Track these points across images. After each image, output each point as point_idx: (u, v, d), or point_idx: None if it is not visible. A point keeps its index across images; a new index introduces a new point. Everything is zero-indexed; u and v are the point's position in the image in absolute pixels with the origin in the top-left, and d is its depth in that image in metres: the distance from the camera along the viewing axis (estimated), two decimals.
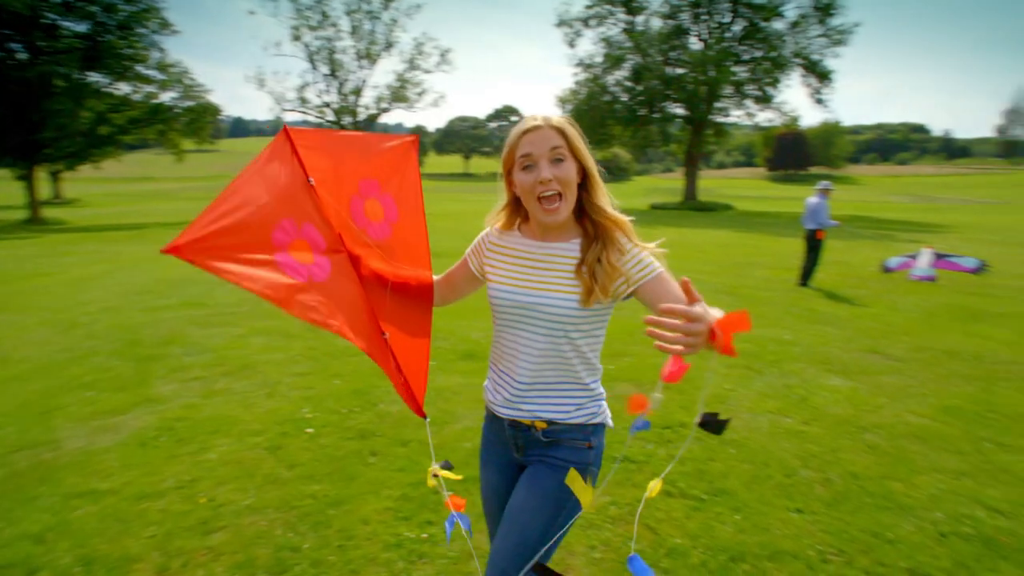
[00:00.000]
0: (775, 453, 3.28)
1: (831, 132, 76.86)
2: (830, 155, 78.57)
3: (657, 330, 0.95)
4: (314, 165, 1.48)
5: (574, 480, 1.22)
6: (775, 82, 30.92)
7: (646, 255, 1.35)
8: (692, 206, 31.04)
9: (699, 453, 3.26)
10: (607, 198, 1.40)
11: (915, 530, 2.57)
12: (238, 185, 1.39)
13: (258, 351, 5.19)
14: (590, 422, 1.43)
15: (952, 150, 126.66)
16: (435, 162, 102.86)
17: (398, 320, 1.55)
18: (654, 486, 1.20)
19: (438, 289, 1.63)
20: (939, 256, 9.55)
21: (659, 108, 32.90)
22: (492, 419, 1.53)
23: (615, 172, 73.49)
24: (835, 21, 29.37)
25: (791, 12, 30.04)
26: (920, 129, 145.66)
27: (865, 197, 44.92)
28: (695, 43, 32.46)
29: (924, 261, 9.49)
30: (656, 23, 32.42)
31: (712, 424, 1.07)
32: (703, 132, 32.25)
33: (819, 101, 31.23)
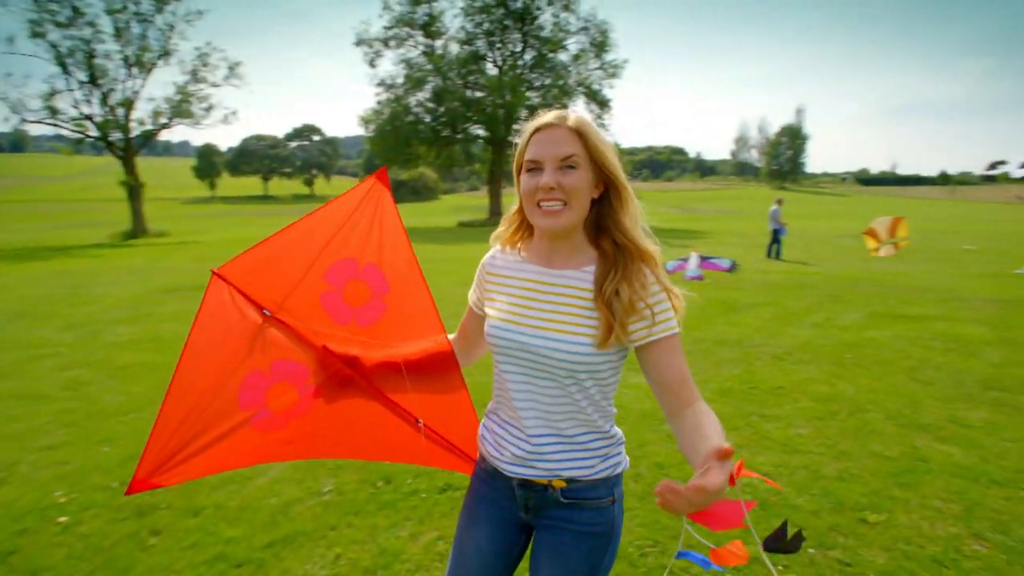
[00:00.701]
0: None
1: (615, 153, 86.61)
2: None
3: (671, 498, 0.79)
4: (263, 292, 1.28)
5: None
6: (564, 107, 34.03)
7: (667, 304, 1.10)
8: (498, 222, 32.60)
9: None
10: (637, 218, 1.16)
11: None
12: (184, 368, 1.22)
13: None
14: (613, 474, 1.21)
15: (704, 169, 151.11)
16: (229, 184, 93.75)
17: (427, 399, 1.37)
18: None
19: (457, 348, 1.38)
20: (703, 258, 11.13)
21: (461, 129, 34.16)
22: (493, 476, 1.27)
23: (422, 191, 74.29)
24: (609, 56, 33.58)
25: (573, 46, 33.83)
26: (680, 151, 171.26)
27: (644, 210, 51.12)
28: (491, 69, 34.48)
29: (693, 263, 10.99)
30: (454, 48, 33.76)
31: (786, 543, 0.86)
32: (504, 151, 34.13)
33: (601, 126, 34.87)
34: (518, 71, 33.48)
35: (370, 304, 1.36)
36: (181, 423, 1.21)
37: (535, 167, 1.12)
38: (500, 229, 1.31)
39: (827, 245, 18.63)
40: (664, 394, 1.10)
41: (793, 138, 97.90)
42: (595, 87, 34.14)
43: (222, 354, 1.26)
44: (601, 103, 34.28)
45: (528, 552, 1.29)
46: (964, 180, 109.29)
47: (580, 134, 1.10)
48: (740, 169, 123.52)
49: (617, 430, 1.25)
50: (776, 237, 14.51)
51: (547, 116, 1.13)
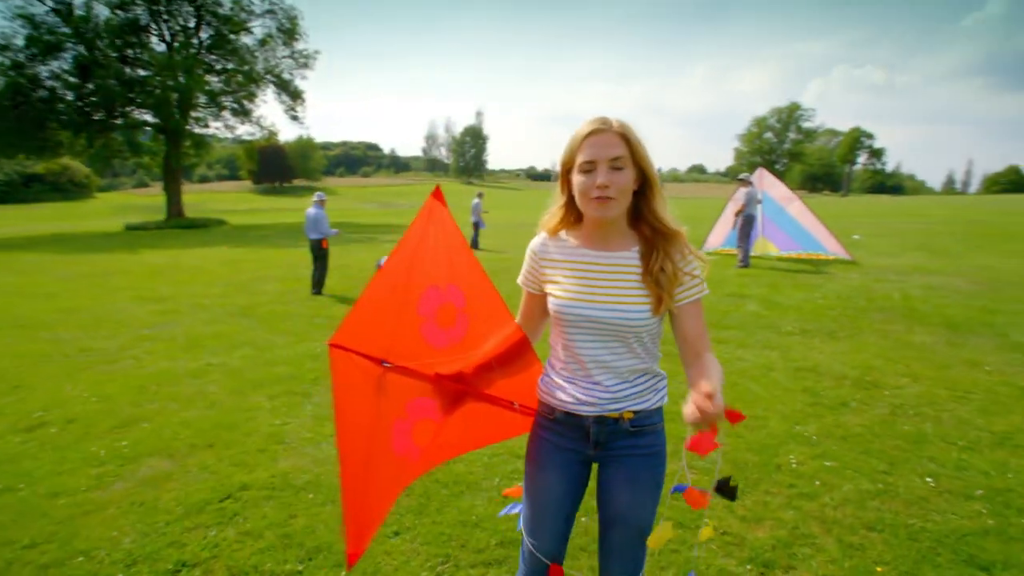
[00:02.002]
0: None
1: (307, 147, 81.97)
2: (309, 168, 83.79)
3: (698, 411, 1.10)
4: (374, 345, 1.43)
5: (662, 531, 1.38)
6: (251, 96, 30.51)
7: (699, 270, 1.37)
8: (179, 223, 27.41)
9: (274, 514, 2.76)
10: (666, 205, 1.38)
11: (485, 502, 2.83)
12: (344, 447, 1.42)
13: None
14: (663, 403, 1.46)
15: (398, 165, 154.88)
16: None
17: (515, 383, 1.52)
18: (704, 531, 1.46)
19: (527, 331, 1.53)
20: None
21: (120, 112, 27.64)
22: (562, 421, 1.47)
23: (69, 188, 58.38)
24: (300, 45, 31.04)
25: (258, 30, 30.05)
26: (374, 147, 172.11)
27: (343, 205, 49.89)
28: (159, 45, 28.63)
29: None
30: (103, 11, 26.82)
31: (727, 490, 1.27)
32: (181, 143, 28.97)
33: (294, 118, 32.54)
34: (193, 50, 28.41)
35: (457, 321, 1.48)
36: (363, 496, 1.39)
37: (590, 168, 1.31)
38: (546, 219, 1.48)
39: (515, 233, 21.06)
40: (686, 344, 1.38)
41: (476, 138, 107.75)
42: (286, 76, 31.35)
43: (367, 418, 1.40)
44: (293, 94, 31.64)
45: (593, 487, 1.51)
46: None
47: (625, 138, 1.31)
48: (431, 165, 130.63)
49: (661, 370, 1.48)
50: (476, 228, 15.69)
51: (595, 123, 1.32)
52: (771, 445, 3.40)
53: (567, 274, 1.42)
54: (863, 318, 6.47)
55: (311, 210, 8.88)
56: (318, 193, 9.13)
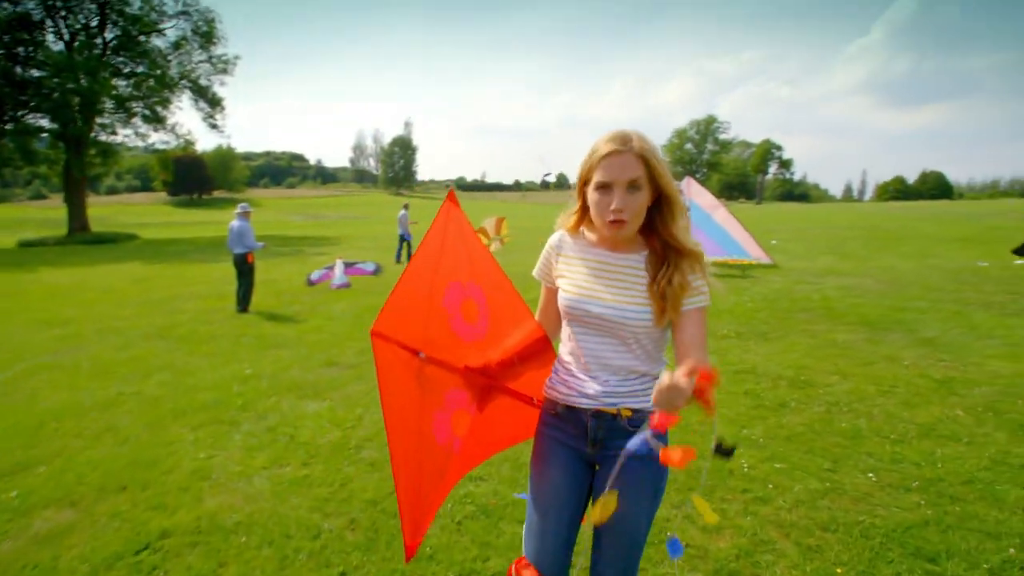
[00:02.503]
0: (290, 516, 2.80)
1: (227, 157, 77.93)
2: (230, 179, 79.69)
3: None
4: (411, 336, 1.44)
5: (701, 504, 1.30)
6: (165, 102, 28.54)
7: (706, 284, 1.37)
8: (84, 239, 25.09)
9: (200, 564, 2.44)
10: (686, 224, 1.38)
11: (438, 531, 2.63)
12: (394, 440, 1.42)
13: None
14: None
15: (325, 175, 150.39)
16: None
17: (536, 380, 1.54)
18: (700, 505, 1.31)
19: (547, 329, 1.57)
20: (348, 264, 10.93)
21: (11, 116, 25.14)
22: (563, 416, 1.48)
23: None
24: (219, 50, 29.34)
25: (172, 32, 28.16)
26: (299, 158, 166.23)
27: (267, 217, 47.75)
28: (57, 43, 26.22)
29: (339, 270, 10.67)
30: None
31: (723, 450, 1.25)
32: (84, 151, 26.63)
33: (213, 126, 30.79)
34: (97, 51, 26.20)
35: (480, 316, 1.51)
36: (416, 486, 1.43)
37: (606, 188, 1.31)
38: (563, 218, 1.51)
39: None
40: (682, 348, 1.35)
41: (404, 148, 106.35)
42: (203, 82, 29.55)
43: (411, 409, 1.44)
44: (212, 101, 29.89)
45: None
46: (531, 187, 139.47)
47: (644, 159, 1.30)
48: (360, 176, 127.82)
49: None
50: (403, 241, 15.22)
51: (614, 142, 1.31)
52: None
53: (577, 270, 1.46)
54: (790, 319, 6.77)
55: (235, 223, 8.32)
56: (242, 204, 8.58)
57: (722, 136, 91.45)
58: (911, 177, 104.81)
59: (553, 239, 1.53)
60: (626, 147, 1.30)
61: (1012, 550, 2.44)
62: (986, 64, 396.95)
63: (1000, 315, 6.69)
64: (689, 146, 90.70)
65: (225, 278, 10.49)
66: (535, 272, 1.58)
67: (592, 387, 1.42)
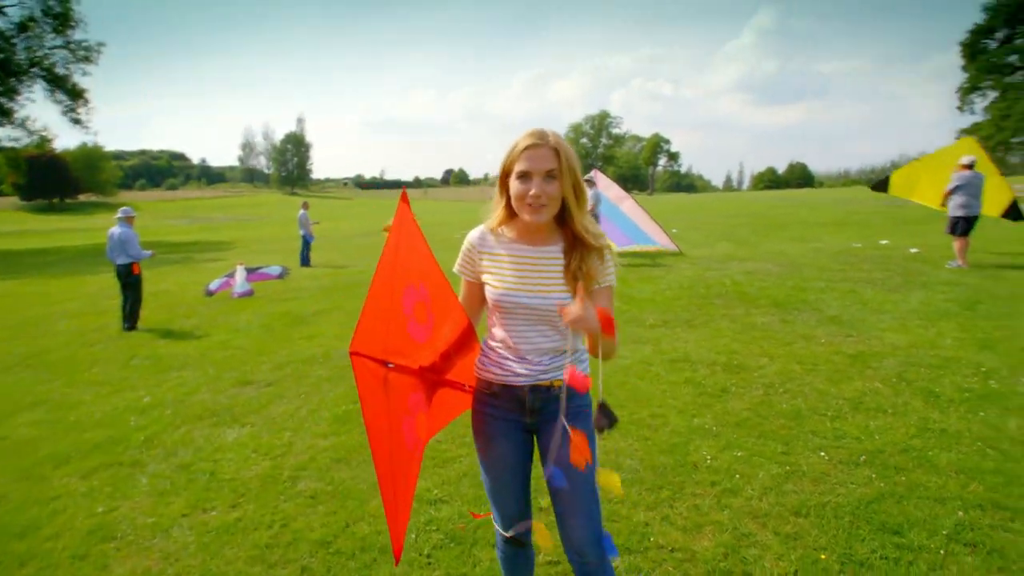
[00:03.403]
0: (227, 573, 2.36)
1: (94, 156, 69.38)
2: (99, 181, 71.21)
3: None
4: (379, 348, 1.48)
5: (607, 476, 1.52)
6: (11, 92, 24.73)
7: (613, 268, 1.57)
8: None
9: None
10: (587, 214, 1.55)
11: (402, 562, 2.33)
12: (376, 450, 1.44)
13: None
14: (586, 371, 1.62)
15: (211, 176, 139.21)
16: None
17: (465, 367, 1.67)
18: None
19: (470, 317, 1.67)
20: (250, 270, 10.01)
21: None
22: (499, 394, 1.61)
23: None
24: (78, 35, 25.77)
25: (16, 11, 24.32)
26: (180, 156, 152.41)
27: (146, 222, 43.13)
28: None
29: (240, 278, 9.74)
30: None
31: (606, 411, 1.48)
32: None
33: (76, 121, 27.19)
34: None
35: (428, 315, 1.58)
36: (395, 496, 1.48)
37: (526, 176, 1.48)
38: (490, 213, 1.62)
39: (352, 244, 19.88)
40: None
41: (298, 145, 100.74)
42: (60, 71, 25.96)
43: (384, 420, 1.48)
44: (72, 92, 26.34)
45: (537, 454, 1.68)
46: (431, 184, 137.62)
47: (558, 152, 1.47)
48: (250, 175, 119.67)
49: (582, 345, 1.63)
50: (306, 243, 14.26)
51: (533, 137, 1.48)
52: (679, 443, 3.37)
53: (503, 265, 1.58)
54: (709, 305, 7.02)
55: (116, 229, 7.28)
56: (124, 209, 7.53)
57: (615, 131, 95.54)
58: (780, 168, 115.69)
59: (473, 236, 1.63)
60: (543, 142, 1.46)
61: (960, 512, 2.57)
62: (837, 69, 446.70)
63: (883, 291, 7.36)
64: (585, 140, 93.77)
65: (103, 292, 9.27)
66: (456, 268, 1.67)
67: (525, 368, 1.57)
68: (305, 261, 13.96)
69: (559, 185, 1.47)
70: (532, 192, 1.45)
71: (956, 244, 8.88)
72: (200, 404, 4.45)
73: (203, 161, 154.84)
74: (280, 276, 10.02)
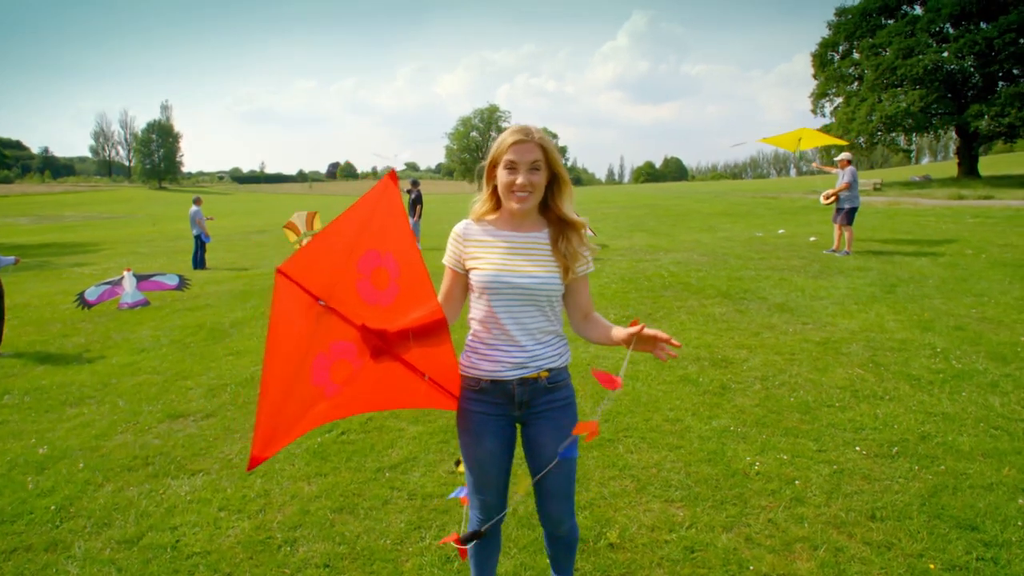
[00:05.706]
0: None
1: None
2: None
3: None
4: (317, 284, 1.46)
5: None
6: None
7: (590, 252, 1.69)
8: None
9: None
10: (571, 202, 1.67)
11: None
12: (269, 361, 1.42)
13: None
14: (569, 360, 1.73)
15: (56, 168, 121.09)
16: None
17: (427, 356, 1.61)
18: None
19: (446, 311, 1.63)
20: (140, 277, 8.55)
21: None
22: (488, 390, 1.66)
23: None
24: None
25: None
26: (15, 145, 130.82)
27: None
28: None
29: (129, 285, 8.28)
30: None
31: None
32: None
33: None
34: None
35: (389, 287, 1.56)
36: (278, 407, 1.45)
37: (513, 167, 1.58)
38: (476, 207, 1.71)
39: (248, 243, 18.04)
40: (578, 309, 1.73)
41: (164, 135, 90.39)
42: None
43: (294, 345, 1.46)
44: None
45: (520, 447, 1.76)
46: (316, 178, 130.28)
47: (542, 147, 1.59)
48: (107, 168, 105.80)
49: (564, 333, 1.75)
50: (199, 242, 12.62)
51: (520, 133, 1.58)
52: (715, 451, 3.16)
53: (491, 250, 1.64)
54: (661, 298, 7.00)
55: None
56: None
57: (505, 125, 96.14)
58: (657, 162, 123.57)
59: (459, 228, 1.70)
60: (529, 137, 1.57)
61: (1020, 500, 2.57)
62: (703, 72, 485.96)
63: (808, 277, 7.81)
64: (475, 134, 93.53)
65: None
66: (445, 260, 1.71)
67: (516, 355, 1.63)
68: (200, 263, 12.35)
69: (542, 175, 1.60)
70: (519, 181, 1.56)
71: (847, 233, 9.71)
72: (122, 450, 3.53)
73: (45, 151, 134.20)
74: (179, 287, 8.63)
